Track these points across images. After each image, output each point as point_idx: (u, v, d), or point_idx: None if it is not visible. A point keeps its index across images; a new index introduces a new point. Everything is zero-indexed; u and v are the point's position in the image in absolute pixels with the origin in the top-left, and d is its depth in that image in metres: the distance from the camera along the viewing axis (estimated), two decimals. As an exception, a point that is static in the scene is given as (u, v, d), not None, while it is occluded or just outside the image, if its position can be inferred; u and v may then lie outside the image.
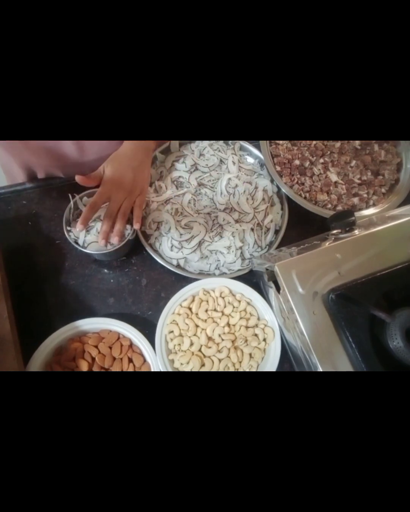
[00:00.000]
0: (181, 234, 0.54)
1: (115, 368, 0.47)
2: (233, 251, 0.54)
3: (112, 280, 0.55)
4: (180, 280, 0.55)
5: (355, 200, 0.58)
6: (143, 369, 0.48)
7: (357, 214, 0.56)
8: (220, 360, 0.50)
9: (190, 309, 0.51)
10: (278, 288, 0.46)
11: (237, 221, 0.56)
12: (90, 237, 0.51)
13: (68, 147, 0.57)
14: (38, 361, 0.46)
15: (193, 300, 0.52)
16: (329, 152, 0.60)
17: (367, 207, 0.59)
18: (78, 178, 0.47)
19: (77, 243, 0.50)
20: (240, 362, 0.50)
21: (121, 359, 0.48)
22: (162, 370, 0.48)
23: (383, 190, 0.60)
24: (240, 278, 0.54)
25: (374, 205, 0.60)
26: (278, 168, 0.58)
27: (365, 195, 0.59)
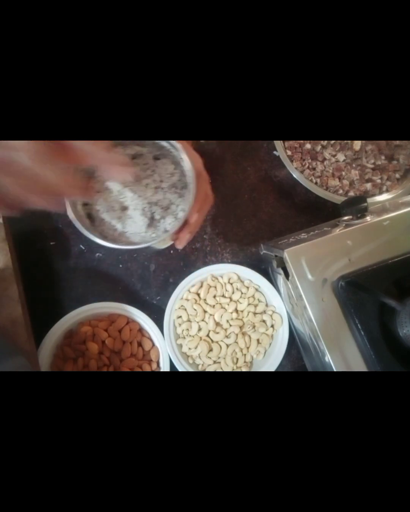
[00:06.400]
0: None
1: (125, 351, 0.48)
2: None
3: (121, 265, 0.55)
4: (188, 266, 0.55)
5: (368, 185, 0.57)
6: (152, 353, 0.49)
7: (369, 200, 0.55)
8: (227, 345, 0.50)
9: (198, 294, 0.52)
10: (286, 275, 0.46)
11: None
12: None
13: None
14: (49, 344, 0.47)
15: (201, 286, 0.52)
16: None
17: (380, 193, 0.58)
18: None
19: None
20: (248, 348, 0.51)
21: (130, 343, 0.49)
22: (170, 354, 0.49)
23: (397, 175, 0.59)
24: (248, 264, 0.54)
25: (387, 190, 0.58)
26: (289, 153, 0.57)
27: (378, 181, 0.57)
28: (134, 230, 0.39)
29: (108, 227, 0.39)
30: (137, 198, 0.39)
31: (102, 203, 0.39)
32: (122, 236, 0.39)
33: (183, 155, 0.36)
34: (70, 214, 0.37)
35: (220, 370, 0.50)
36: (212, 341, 0.50)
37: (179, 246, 0.39)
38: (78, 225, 0.37)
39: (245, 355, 0.51)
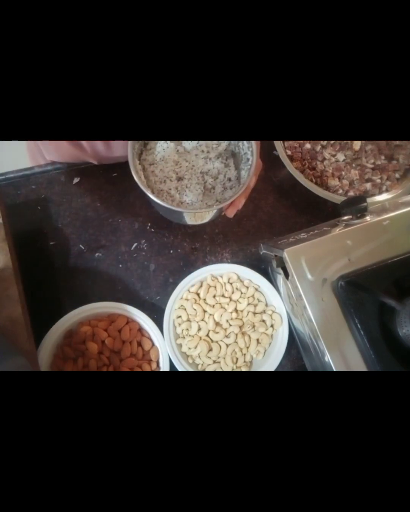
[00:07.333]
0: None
1: (125, 351, 0.48)
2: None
3: (120, 265, 0.55)
4: (188, 266, 0.56)
5: (368, 185, 0.57)
6: (152, 352, 0.49)
7: (369, 200, 0.55)
8: (227, 345, 0.50)
9: (198, 294, 0.52)
10: (286, 275, 0.46)
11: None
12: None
13: (98, 144, 0.55)
14: (49, 344, 0.47)
15: (201, 286, 0.52)
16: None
17: (380, 192, 0.58)
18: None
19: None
20: (247, 347, 0.51)
21: (130, 342, 0.49)
22: (170, 354, 0.49)
23: (397, 175, 0.59)
24: (248, 264, 0.54)
25: (387, 190, 0.58)
26: (289, 152, 0.57)
27: (378, 181, 0.58)
28: (191, 199, 0.42)
29: (166, 197, 0.43)
30: (191, 168, 0.42)
31: (159, 174, 0.43)
32: (180, 205, 0.43)
33: None
34: (137, 180, 0.39)
35: (220, 370, 0.50)
36: (212, 341, 0.50)
37: (231, 214, 0.42)
38: (148, 192, 0.39)
39: (244, 355, 0.51)
